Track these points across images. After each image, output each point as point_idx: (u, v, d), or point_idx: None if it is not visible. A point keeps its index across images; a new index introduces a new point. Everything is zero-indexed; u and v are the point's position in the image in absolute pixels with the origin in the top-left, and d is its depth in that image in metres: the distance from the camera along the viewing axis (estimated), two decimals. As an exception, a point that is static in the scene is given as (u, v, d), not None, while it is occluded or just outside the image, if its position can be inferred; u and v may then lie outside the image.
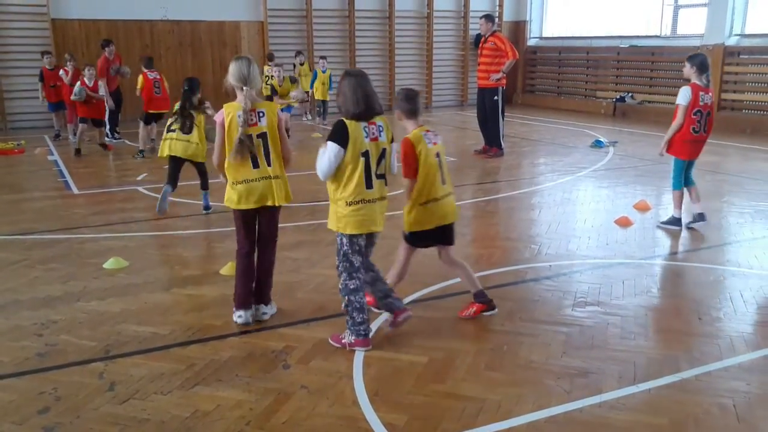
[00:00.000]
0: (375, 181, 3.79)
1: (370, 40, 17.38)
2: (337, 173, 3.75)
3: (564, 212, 7.18)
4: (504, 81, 10.60)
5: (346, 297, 3.93)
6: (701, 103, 6.01)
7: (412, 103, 4.12)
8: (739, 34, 13.83)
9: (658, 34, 15.93)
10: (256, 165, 4.06)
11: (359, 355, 3.84)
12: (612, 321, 4.32)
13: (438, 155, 4.11)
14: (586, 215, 7.04)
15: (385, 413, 3.25)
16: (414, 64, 18.03)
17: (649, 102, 15.64)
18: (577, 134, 12.87)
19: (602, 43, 17.17)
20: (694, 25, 15.01)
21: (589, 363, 3.73)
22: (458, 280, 4.96)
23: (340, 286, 3.98)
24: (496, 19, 15.66)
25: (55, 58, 12.72)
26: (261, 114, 4.08)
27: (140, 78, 10.91)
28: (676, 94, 6.26)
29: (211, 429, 3.16)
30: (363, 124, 3.75)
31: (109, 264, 5.44)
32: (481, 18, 10.83)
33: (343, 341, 3.98)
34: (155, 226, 6.72)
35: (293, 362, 3.80)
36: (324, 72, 14.29)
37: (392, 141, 3.93)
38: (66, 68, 12.02)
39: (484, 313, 4.38)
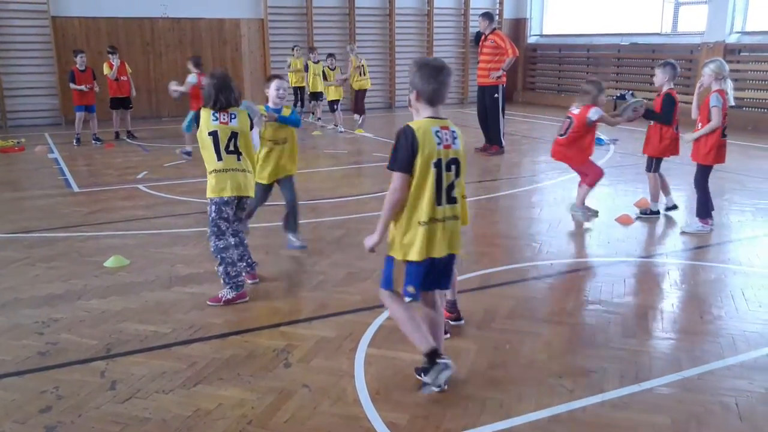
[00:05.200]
0: (225, 155, 4.56)
1: (371, 37, 17.37)
2: (202, 153, 4.62)
3: (565, 210, 7.16)
4: (504, 79, 10.59)
5: (219, 256, 4.62)
6: None
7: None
8: (740, 32, 13.81)
9: (659, 32, 15.90)
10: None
11: (360, 354, 3.84)
12: (614, 319, 4.32)
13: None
14: (587, 213, 7.03)
15: (386, 412, 3.24)
16: (414, 62, 18.00)
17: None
18: (577, 132, 12.84)
19: (603, 40, 17.15)
20: (694, 23, 14.99)
21: (591, 362, 3.73)
22: (459, 278, 4.97)
23: (211, 249, 4.69)
24: (496, 17, 15.66)
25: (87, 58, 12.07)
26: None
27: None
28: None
29: (212, 428, 3.15)
30: (214, 111, 4.58)
31: (110, 262, 5.44)
32: (480, 16, 10.83)
33: (222, 299, 4.60)
34: (156, 224, 6.71)
35: (295, 361, 3.79)
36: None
37: (252, 128, 4.78)
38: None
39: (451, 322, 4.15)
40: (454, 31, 18.48)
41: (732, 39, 13.76)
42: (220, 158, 4.57)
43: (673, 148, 6.53)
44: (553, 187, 8.23)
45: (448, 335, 4.04)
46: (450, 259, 3.34)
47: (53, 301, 4.70)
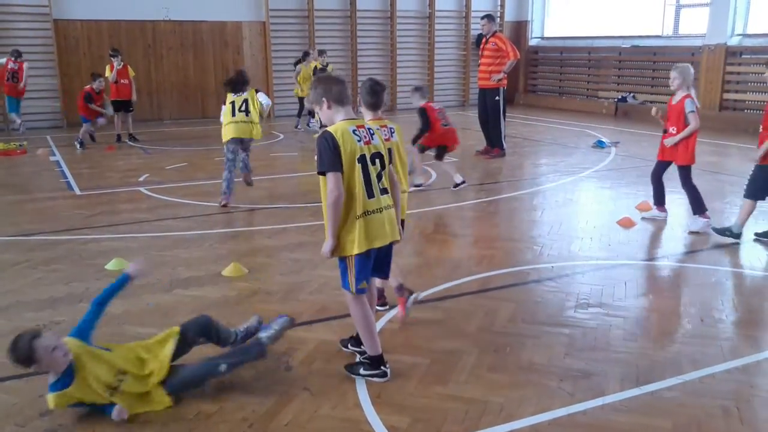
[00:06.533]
0: (237, 113, 7.31)
1: (372, 40, 17.38)
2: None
3: (566, 213, 7.17)
4: (505, 81, 10.59)
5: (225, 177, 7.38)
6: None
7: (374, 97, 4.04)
8: (741, 34, 13.80)
9: (660, 34, 15.92)
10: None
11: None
12: (614, 323, 4.32)
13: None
14: (588, 216, 7.04)
15: (387, 415, 3.25)
16: (415, 64, 18.03)
17: (651, 102, 15.60)
18: (578, 134, 12.85)
19: (604, 43, 17.15)
20: (695, 25, 14.99)
21: (592, 365, 3.73)
22: (460, 281, 4.99)
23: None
24: (497, 20, 15.68)
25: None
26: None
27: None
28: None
29: (213, 431, 3.16)
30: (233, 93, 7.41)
31: (112, 265, 5.44)
32: (482, 18, 10.84)
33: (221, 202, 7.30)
34: (157, 227, 6.72)
35: (295, 364, 3.79)
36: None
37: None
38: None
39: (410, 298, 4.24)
40: (456, 34, 18.49)
41: (733, 41, 13.76)
42: (233, 114, 7.29)
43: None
44: (555, 190, 8.23)
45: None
46: (390, 247, 3.57)
47: (55, 304, 4.71)
